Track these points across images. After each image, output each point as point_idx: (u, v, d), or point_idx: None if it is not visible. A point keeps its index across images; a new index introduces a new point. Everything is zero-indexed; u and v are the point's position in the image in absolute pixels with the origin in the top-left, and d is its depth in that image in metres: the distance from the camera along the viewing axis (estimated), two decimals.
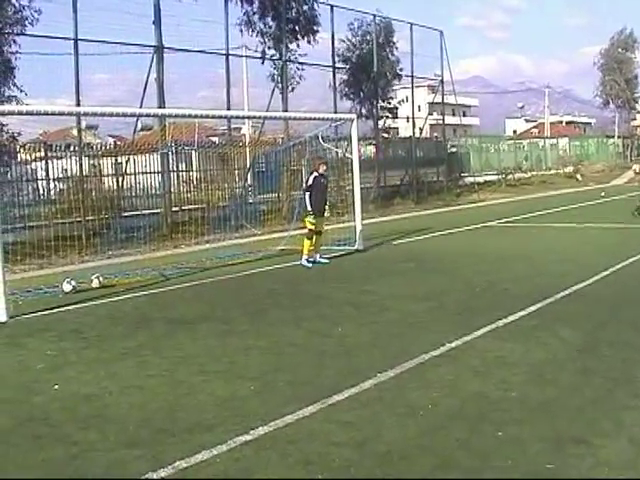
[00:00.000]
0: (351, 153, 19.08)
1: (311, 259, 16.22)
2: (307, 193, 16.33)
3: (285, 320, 10.66)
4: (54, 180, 23.70)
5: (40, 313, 11.89)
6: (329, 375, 7.73)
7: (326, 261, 16.45)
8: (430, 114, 46.26)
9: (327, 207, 16.92)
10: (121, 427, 6.40)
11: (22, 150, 23.29)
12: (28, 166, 23.87)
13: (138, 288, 14.03)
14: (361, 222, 18.58)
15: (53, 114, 14.45)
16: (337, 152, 22.47)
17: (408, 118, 38.62)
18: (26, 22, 20.53)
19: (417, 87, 40.66)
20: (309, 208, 16.29)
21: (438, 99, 40.58)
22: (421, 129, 41.10)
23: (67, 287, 13.65)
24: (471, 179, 42.37)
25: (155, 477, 5.28)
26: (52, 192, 23.71)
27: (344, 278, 14.26)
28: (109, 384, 7.75)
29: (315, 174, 16.42)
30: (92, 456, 5.76)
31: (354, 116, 19.91)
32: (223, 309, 11.69)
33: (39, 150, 23.93)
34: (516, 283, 12.86)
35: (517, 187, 44.47)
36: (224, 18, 25.87)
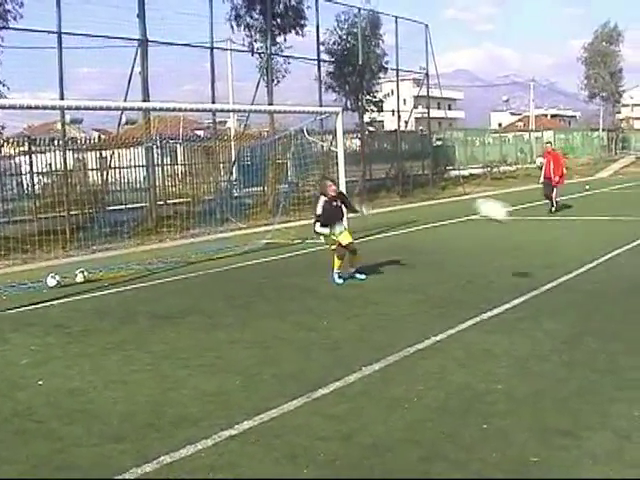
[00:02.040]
0: (336, 146, 19.05)
1: (344, 274, 13.27)
2: (317, 223, 13.28)
3: (270, 313, 10.64)
4: (38, 174, 23.56)
5: (24, 308, 11.83)
6: (315, 369, 7.72)
7: (363, 277, 13.32)
8: (415, 107, 46.32)
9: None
10: (106, 422, 6.37)
11: (6, 144, 23.16)
12: (12, 160, 23.74)
13: (123, 283, 13.99)
14: (347, 216, 18.53)
15: (37, 108, 14.34)
16: (322, 145, 22.45)
17: (393, 111, 38.66)
18: (9, 16, 20.37)
19: (402, 80, 40.64)
20: (323, 231, 13.29)
21: (423, 92, 40.56)
22: (406, 122, 41.14)
23: (51, 282, 13.58)
24: (456, 172, 42.40)
25: (139, 472, 5.26)
26: (36, 186, 23.58)
27: (329, 271, 14.24)
28: (94, 379, 7.71)
29: (324, 198, 13.25)
30: (76, 451, 5.73)
31: (339, 109, 19.86)
32: (208, 303, 11.65)
33: (23, 144, 23.79)
34: (501, 275, 12.89)
35: (502, 180, 44.52)
36: (209, 11, 25.74)
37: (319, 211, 13.15)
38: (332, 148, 19.63)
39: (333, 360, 8.03)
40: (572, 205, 26.86)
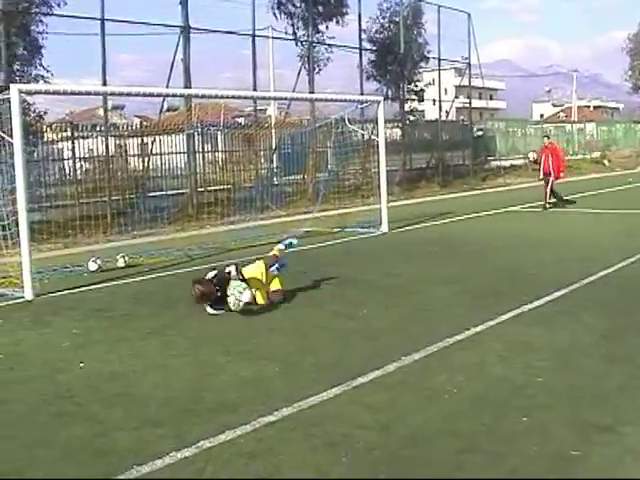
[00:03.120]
0: (377, 135, 18.99)
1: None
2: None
3: (309, 302, 10.65)
4: (80, 160, 23.78)
5: (66, 292, 11.97)
6: (353, 357, 7.72)
7: None
8: (456, 97, 45.97)
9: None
10: (145, 406, 6.43)
11: (49, 130, 23.39)
12: (54, 146, 23.98)
13: (163, 268, 14.10)
14: (386, 205, 18.53)
15: (80, 94, 14.43)
16: (363, 134, 22.39)
17: (434, 101, 38.41)
18: (52, 2, 20.57)
19: (444, 70, 40.40)
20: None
21: (465, 82, 40.34)
22: (447, 112, 40.86)
23: (92, 266, 13.71)
24: (497, 163, 42.10)
25: (179, 456, 5.29)
26: (78, 172, 23.81)
27: (369, 261, 14.21)
28: (134, 363, 7.79)
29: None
30: (116, 434, 5.78)
31: (381, 98, 19.81)
32: None
33: (65, 130, 24.01)
34: (541, 268, 12.76)
35: None
36: None
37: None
38: (373, 137, 19.53)
39: (372, 349, 8.02)
40: (615, 198, 26.53)
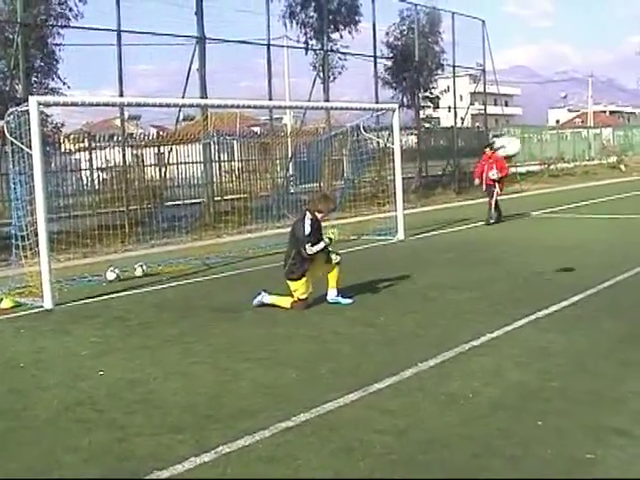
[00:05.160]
0: (392, 143, 19.04)
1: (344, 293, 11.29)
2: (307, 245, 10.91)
3: (328, 309, 10.73)
4: (97, 170, 23.98)
5: (85, 301, 12.09)
6: (371, 363, 7.78)
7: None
8: (472, 104, 45.97)
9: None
10: (165, 412, 6.52)
11: (66, 141, 23.59)
12: (72, 156, 24.18)
13: (181, 277, 14.20)
14: (403, 212, 18.58)
15: (97, 105, 14.62)
16: (378, 142, 22.44)
17: (450, 108, 38.44)
18: (69, 14, 20.79)
19: (459, 77, 40.36)
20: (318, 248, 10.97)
21: (480, 89, 40.38)
22: (462, 119, 40.89)
23: (111, 275, 13.83)
24: (513, 169, 42.07)
25: (198, 461, 5.38)
26: (95, 182, 24.01)
27: (385, 267, 14.25)
28: (154, 370, 7.88)
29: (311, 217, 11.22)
30: (137, 440, 5.87)
31: (396, 106, 19.84)
32: None
33: (82, 140, 24.23)
34: (558, 273, 12.78)
35: (560, 177, 44.06)
36: (265, 9, 25.96)
37: (307, 230, 10.95)
38: (388, 145, 19.58)
39: (389, 355, 8.09)
40: (631, 203, 26.46)
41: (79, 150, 24.39)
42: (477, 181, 22.57)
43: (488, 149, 22.63)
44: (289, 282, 10.91)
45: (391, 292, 11.86)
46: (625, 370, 7.25)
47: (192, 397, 6.92)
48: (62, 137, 23.29)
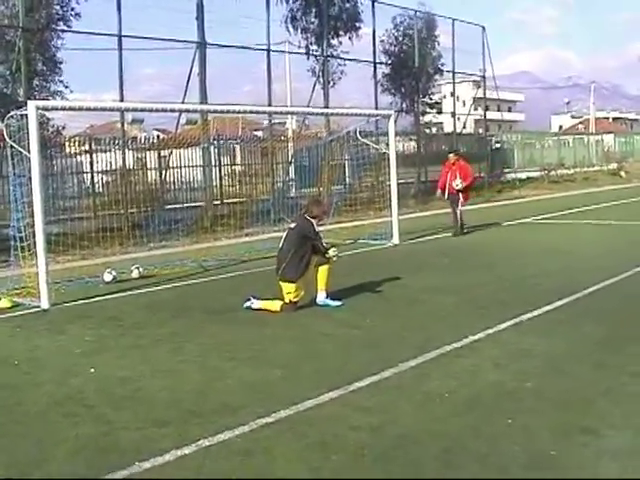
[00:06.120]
0: (390, 148, 19.23)
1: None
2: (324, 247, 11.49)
3: (316, 312, 10.95)
4: (98, 173, 24.25)
5: (81, 301, 12.32)
6: (354, 364, 8.00)
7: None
8: (475, 109, 46.22)
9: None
10: (151, 408, 6.75)
11: (68, 144, 23.87)
12: (73, 159, 24.44)
13: (177, 279, 14.43)
14: (398, 217, 18.81)
15: (95, 109, 14.79)
16: (376, 148, 22.64)
17: (453, 113, 38.70)
18: (71, 15, 21.09)
19: (461, 82, 40.54)
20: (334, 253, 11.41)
21: (481, 94, 40.67)
22: (464, 125, 41.10)
23: (108, 277, 14.07)
24: (513, 175, 42.31)
25: (179, 453, 5.61)
26: (97, 185, 24.27)
27: (378, 271, 14.45)
28: (143, 368, 8.11)
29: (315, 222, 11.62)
30: (122, 434, 6.10)
31: (392, 112, 20.14)
32: None
33: (84, 144, 24.50)
34: (547, 278, 13.02)
35: (560, 184, 44.15)
36: (266, 14, 26.31)
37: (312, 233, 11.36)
38: (384, 150, 19.77)
39: (372, 356, 8.30)
40: (628, 209, 26.65)
41: (81, 153, 24.67)
42: (438, 193, 21.23)
43: (452, 155, 20.85)
44: (283, 283, 11.12)
45: (381, 296, 12.08)
46: (599, 372, 7.45)
47: (178, 394, 7.15)
48: (64, 140, 23.59)
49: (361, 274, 14.15)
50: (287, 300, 11.02)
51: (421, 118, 35.26)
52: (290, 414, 6.41)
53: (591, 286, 11.91)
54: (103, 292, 13.09)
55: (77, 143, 24.48)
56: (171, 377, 7.77)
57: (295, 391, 7.05)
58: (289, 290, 11.04)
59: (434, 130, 44.37)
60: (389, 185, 19.65)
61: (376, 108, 30.28)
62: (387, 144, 19.72)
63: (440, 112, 38.21)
